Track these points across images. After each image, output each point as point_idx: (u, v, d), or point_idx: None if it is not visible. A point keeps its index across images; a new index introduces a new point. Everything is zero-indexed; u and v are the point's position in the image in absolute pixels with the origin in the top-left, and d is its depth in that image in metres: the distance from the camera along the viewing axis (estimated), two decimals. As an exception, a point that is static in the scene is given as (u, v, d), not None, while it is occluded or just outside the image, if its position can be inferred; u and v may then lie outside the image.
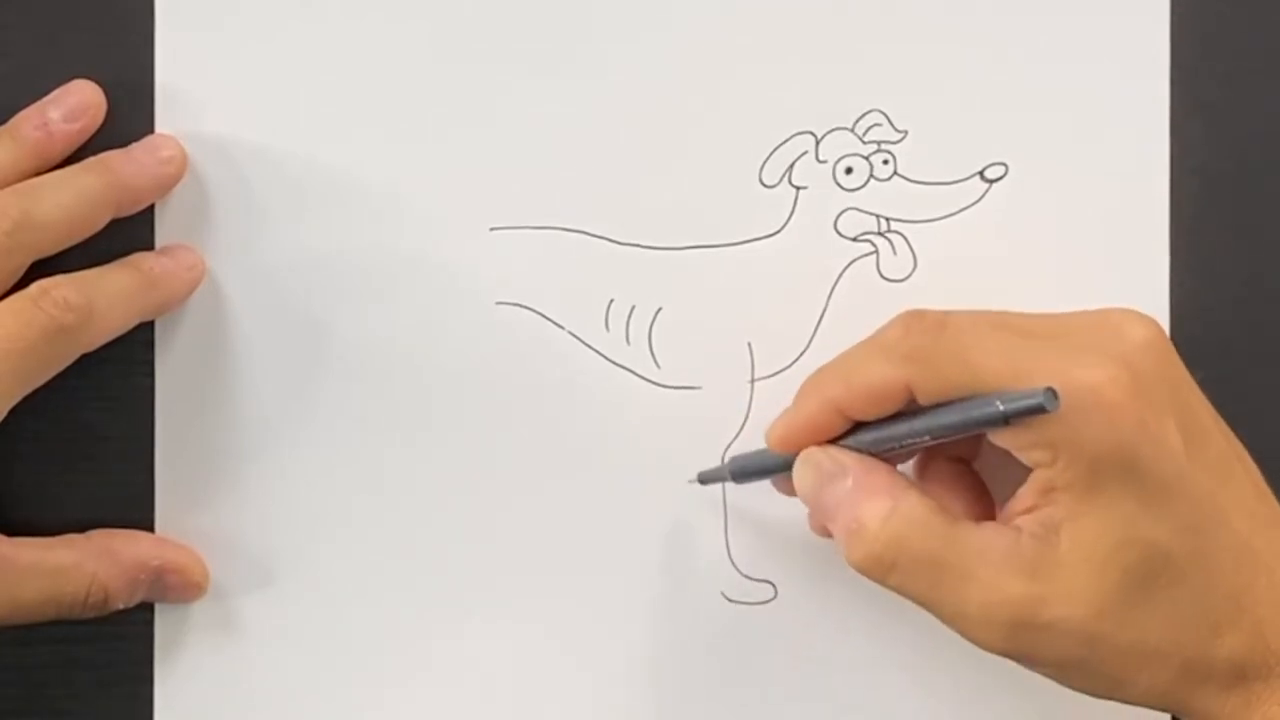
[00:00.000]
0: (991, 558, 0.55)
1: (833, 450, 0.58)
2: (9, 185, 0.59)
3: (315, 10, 0.62)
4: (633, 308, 0.63)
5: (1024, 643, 0.55)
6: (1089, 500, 0.54)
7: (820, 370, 0.59)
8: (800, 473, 0.58)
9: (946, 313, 0.57)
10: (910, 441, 0.57)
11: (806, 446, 0.58)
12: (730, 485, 0.63)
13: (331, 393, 0.63)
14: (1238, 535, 0.55)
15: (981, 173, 0.63)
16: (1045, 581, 0.55)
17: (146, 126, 0.62)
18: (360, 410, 0.63)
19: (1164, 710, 0.56)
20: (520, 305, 0.63)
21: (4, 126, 0.61)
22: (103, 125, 0.61)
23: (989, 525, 0.56)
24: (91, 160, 0.61)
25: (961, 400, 0.55)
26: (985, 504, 0.60)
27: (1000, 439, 0.55)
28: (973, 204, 0.63)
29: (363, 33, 0.63)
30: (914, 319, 0.57)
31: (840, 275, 0.63)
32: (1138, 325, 0.57)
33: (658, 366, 0.63)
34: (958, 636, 0.57)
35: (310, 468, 0.63)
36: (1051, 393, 0.53)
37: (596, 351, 0.63)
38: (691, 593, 0.63)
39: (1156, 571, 0.54)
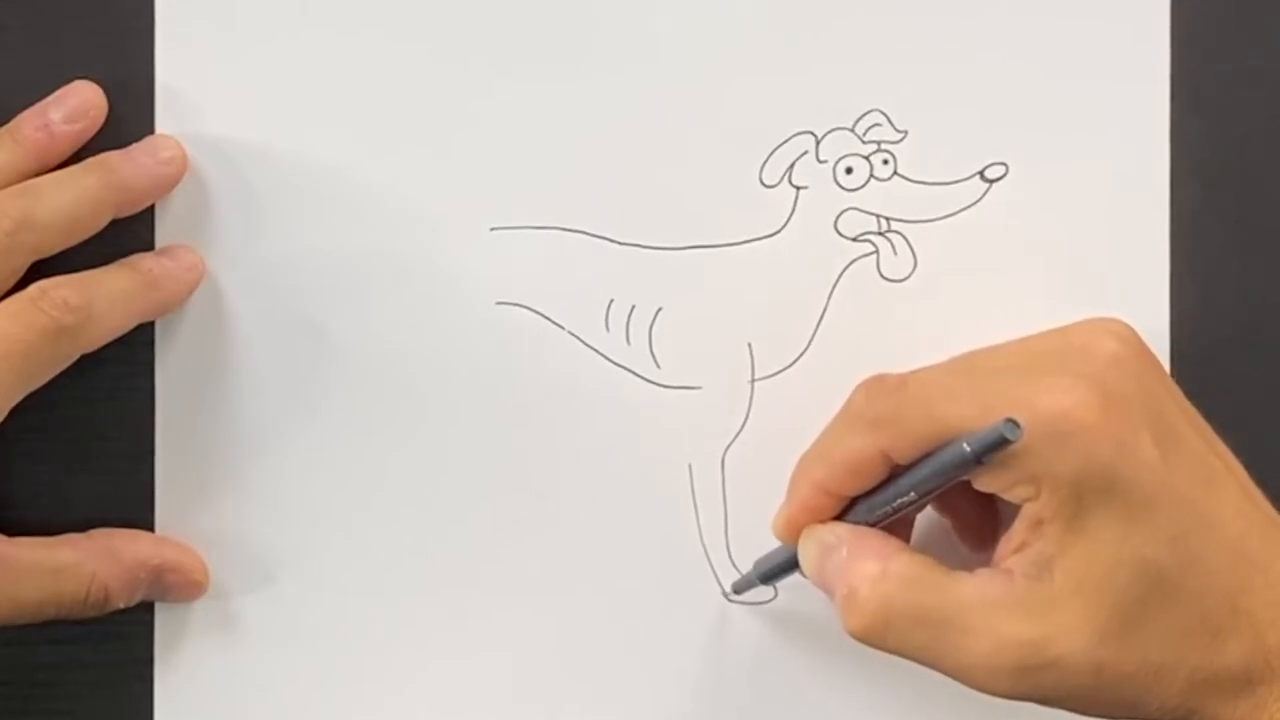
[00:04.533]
0: (987, 605, 0.55)
1: (831, 524, 0.58)
2: (9, 186, 0.59)
3: (315, 11, 0.62)
4: (633, 308, 0.63)
5: (1032, 684, 0.55)
6: (1076, 528, 0.54)
7: (804, 456, 0.60)
8: (803, 552, 0.59)
9: (907, 373, 0.58)
10: (901, 503, 0.57)
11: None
12: (730, 486, 0.63)
13: (331, 392, 0.63)
14: (1229, 538, 0.55)
15: (981, 173, 0.63)
16: (1044, 620, 0.55)
17: (146, 127, 0.62)
18: (360, 410, 0.63)
19: None
20: (520, 305, 0.63)
21: (5, 128, 0.61)
22: (103, 126, 0.61)
23: (981, 573, 0.56)
24: (92, 161, 0.61)
25: (932, 454, 0.55)
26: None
27: (982, 484, 0.55)
28: (973, 204, 0.63)
29: (363, 33, 0.63)
30: (875, 384, 0.57)
31: (840, 275, 0.63)
32: (1104, 340, 0.57)
33: (658, 366, 0.63)
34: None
35: (310, 467, 0.63)
36: (1012, 423, 0.53)
37: (596, 351, 0.63)
38: (691, 593, 0.63)
39: (1151, 587, 0.54)
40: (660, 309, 0.63)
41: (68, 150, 0.61)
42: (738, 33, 0.63)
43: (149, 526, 0.63)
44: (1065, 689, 0.55)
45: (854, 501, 0.58)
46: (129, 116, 0.62)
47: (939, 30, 0.63)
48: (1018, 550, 0.55)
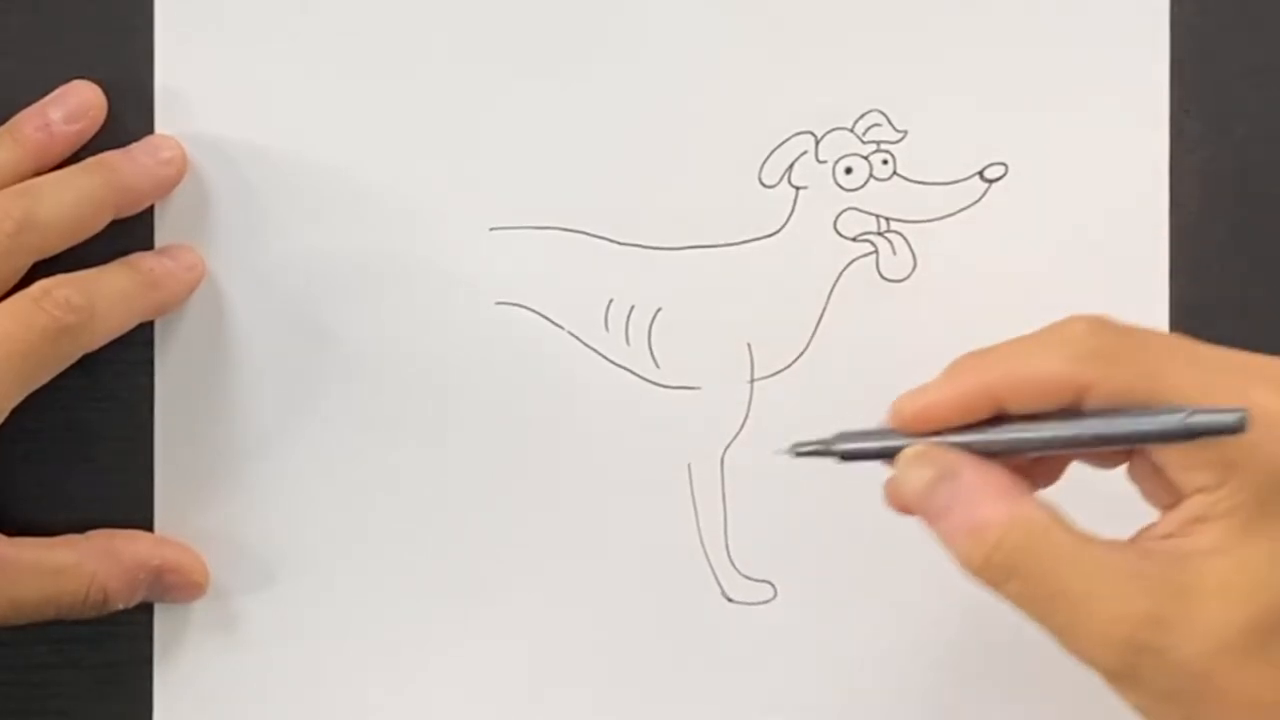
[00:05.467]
0: (1116, 572, 0.52)
1: (948, 449, 0.54)
2: (9, 186, 0.59)
3: (315, 11, 0.62)
4: (632, 308, 0.63)
5: (1137, 664, 0.52)
6: (1242, 532, 0.52)
7: (981, 352, 0.55)
8: (910, 468, 0.54)
9: (1130, 325, 0.54)
10: (1072, 442, 0.54)
11: (942, 426, 0.54)
12: (729, 486, 0.63)
13: (331, 392, 0.63)
14: None
15: (981, 173, 0.63)
16: (1170, 604, 0.51)
17: (146, 127, 0.62)
18: (360, 410, 0.63)
19: None
20: (520, 305, 0.63)
21: (4, 127, 0.61)
22: (103, 126, 0.61)
23: (1117, 542, 0.53)
24: (92, 161, 0.61)
25: (1141, 411, 0.52)
26: None
27: (1168, 455, 0.53)
28: (972, 204, 0.63)
29: (362, 33, 0.63)
30: (1098, 322, 0.54)
31: (840, 275, 0.63)
32: None
33: (657, 366, 0.63)
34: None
35: (310, 467, 0.63)
36: (1245, 415, 0.50)
37: (596, 351, 0.63)
38: (691, 593, 0.63)
39: None
40: (660, 309, 0.63)
41: (67, 150, 0.61)
42: (738, 33, 0.63)
43: (149, 526, 0.63)
44: (1167, 685, 0.52)
45: (997, 420, 0.54)
46: (129, 116, 0.62)
47: (939, 30, 0.63)
48: (1164, 537, 0.53)
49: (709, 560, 0.63)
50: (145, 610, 0.63)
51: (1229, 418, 0.51)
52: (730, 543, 0.63)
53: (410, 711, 0.63)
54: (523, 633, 0.63)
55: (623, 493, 0.63)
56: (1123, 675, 0.52)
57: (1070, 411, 0.53)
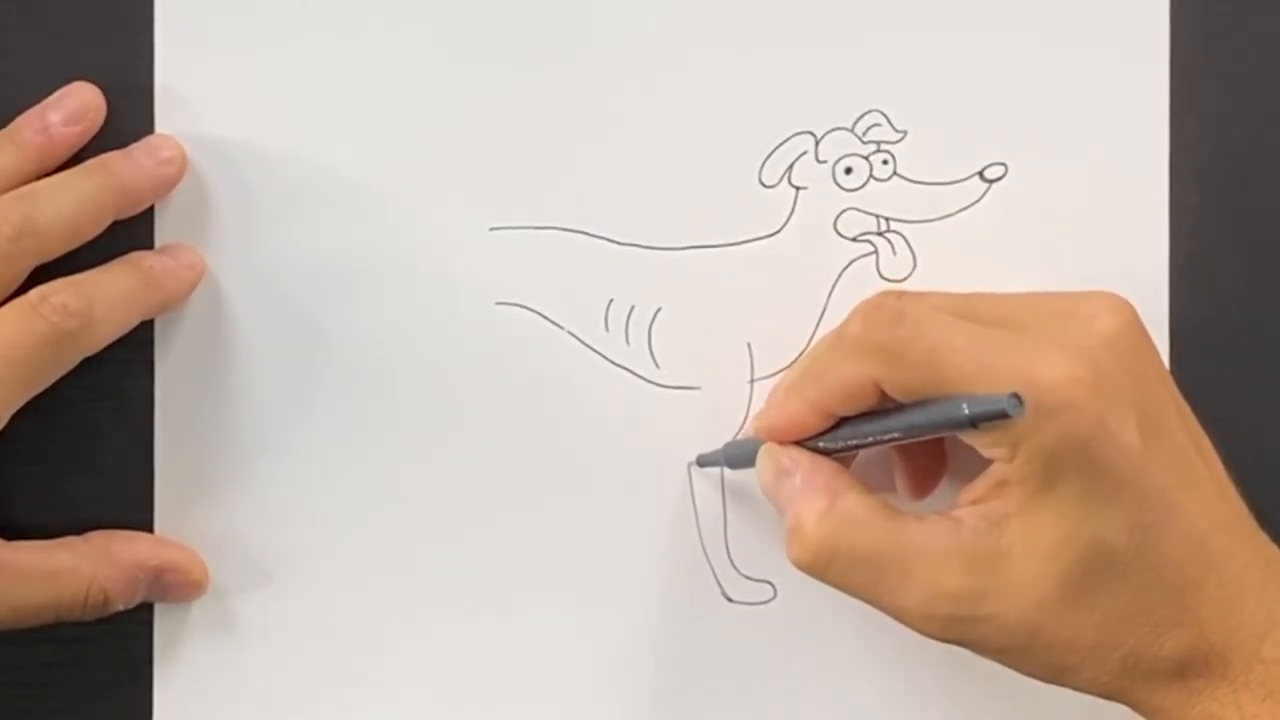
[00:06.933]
0: (930, 553, 0.56)
1: (790, 449, 0.59)
2: (9, 190, 0.59)
3: (315, 11, 0.62)
4: (632, 308, 0.63)
5: (964, 634, 0.56)
6: (1039, 497, 0.54)
7: (795, 371, 0.60)
8: (760, 467, 0.60)
9: (905, 302, 0.57)
10: (886, 438, 0.57)
11: (794, 440, 0.59)
12: (729, 486, 0.63)
13: (331, 392, 0.63)
14: (1190, 534, 0.55)
15: (981, 173, 0.63)
16: (984, 576, 0.55)
17: (146, 127, 0.62)
18: (360, 410, 0.63)
19: (1108, 699, 0.57)
20: (520, 305, 0.63)
21: (4, 131, 0.61)
22: (102, 126, 0.61)
23: (930, 518, 0.56)
24: (92, 163, 0.60)
25: (928, 403, 0.55)
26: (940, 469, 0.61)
27: (965, 437, 0.56)
28: (972, 204, 0.63)
29: (362, 32, 0.63)
30: (873, 312, 0.57)
31: (840, 275, 0.63)
32: (1108, 315, 0.57)
33: (657, 367, 0.63)
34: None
35: (310, 467, 0.63)
36: (1016, 399, 0.53)
37: (596, 351, 0.63)
38: (691, 593, 0.63)
39: (1100, 568, 0.55)
40: (660, 309, 0.63)
41: (67, 152, 0.61)
42: (737, 33, 0.63)
43: (148, 527, 0.63)
44: (996, 644, 0.56)
45: (841, 420, 0.58)
46: (129, 116, 0.62)
47: (939, 30, 0.63)
48: (974, 503, 0.56)
49: (709, 560, 0.63)
50: (145, 610, 0.63)
51: (1002, 405, 0.53)
52: (730, 543, 0.63)
53: (410, 711, 0.63)
54: (523, 632, 0.63)
55: (623, 493, 0.63)
56: (957, 642, 0.56)
57: (886, 405, 0.57)
